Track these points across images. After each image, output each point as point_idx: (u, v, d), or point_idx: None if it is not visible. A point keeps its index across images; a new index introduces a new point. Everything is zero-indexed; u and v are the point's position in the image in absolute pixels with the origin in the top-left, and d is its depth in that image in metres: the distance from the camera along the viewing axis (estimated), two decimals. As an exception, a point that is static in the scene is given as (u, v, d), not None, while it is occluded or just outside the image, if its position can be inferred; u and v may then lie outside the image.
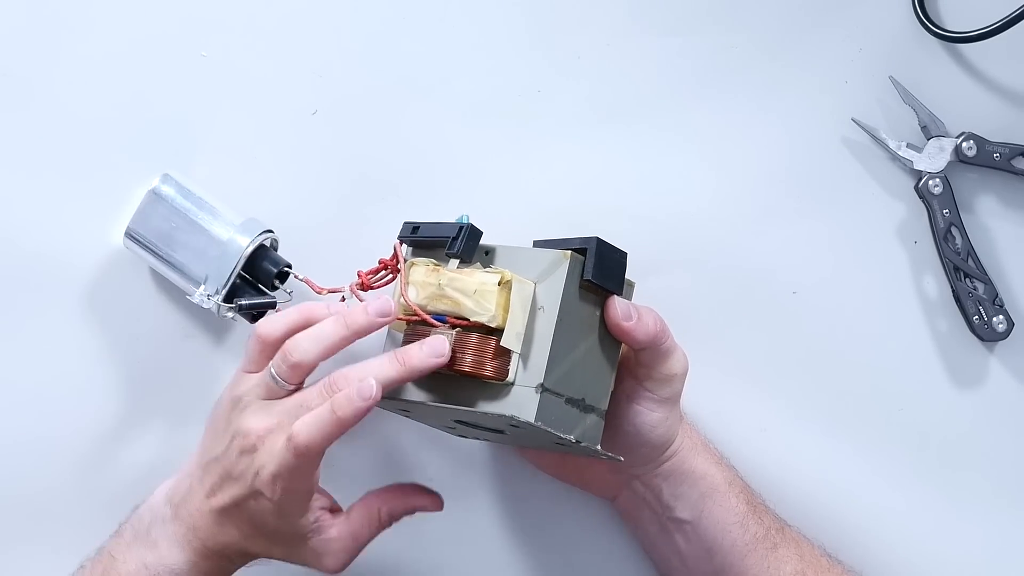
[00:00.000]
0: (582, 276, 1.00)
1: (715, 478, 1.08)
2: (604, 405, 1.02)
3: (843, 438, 1.16)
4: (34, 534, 1.11)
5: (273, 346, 1.02)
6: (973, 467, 1.17)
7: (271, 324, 1.03)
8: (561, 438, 0.99)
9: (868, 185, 1.16)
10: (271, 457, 0.98)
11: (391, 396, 1.02)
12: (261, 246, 1.08)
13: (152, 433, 1.11)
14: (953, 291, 1.15)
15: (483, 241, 1.03)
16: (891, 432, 1.16)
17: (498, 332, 0.99)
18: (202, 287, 1.07)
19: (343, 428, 0.98)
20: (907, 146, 1.15)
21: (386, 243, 1.05)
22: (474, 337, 0.99)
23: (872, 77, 1.15)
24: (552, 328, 0.98)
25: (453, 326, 1.00)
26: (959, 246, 1.15)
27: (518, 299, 0.99)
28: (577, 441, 1.00)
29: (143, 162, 1.10)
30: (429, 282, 1.01)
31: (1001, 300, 1.16)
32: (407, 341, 1.02)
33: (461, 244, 1.01)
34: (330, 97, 1.13)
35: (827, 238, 1.16)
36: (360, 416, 0.98)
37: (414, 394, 1.03)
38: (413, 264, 1.02)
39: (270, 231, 1.09)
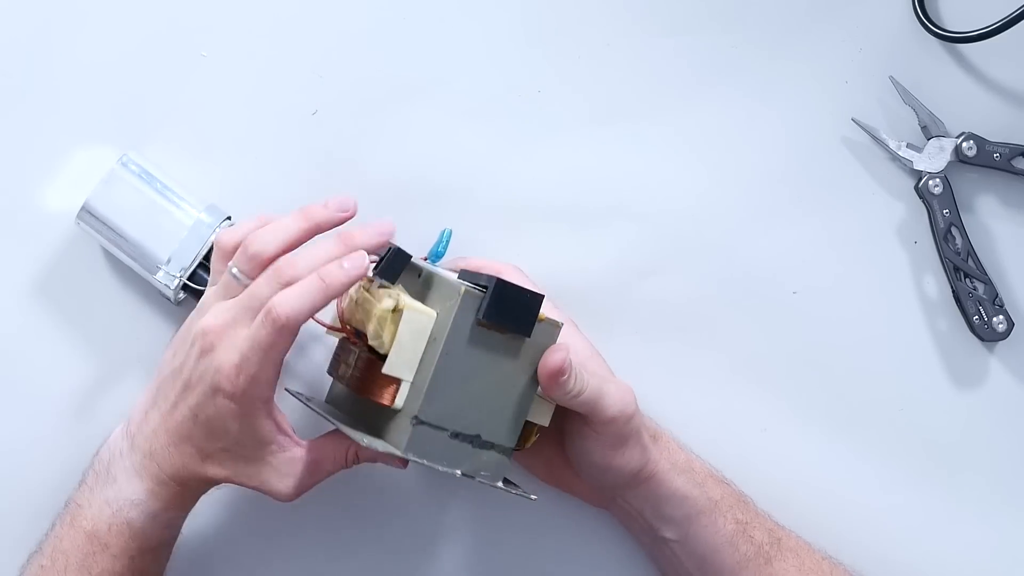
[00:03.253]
0: (477, 314, 0.98)
1: (698, 500, 1.07)
2: (509, 442, 1.01)
3: (843, 438, 1.16)
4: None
5: (233, 252, 1.01)
6: (973, 467, 1.17)
7: (231, 231, 1.03)
8: (441, 472, 0.98)
9: (868, 185, 1.16)
10: (232, 348, 0.97)
11: (314, 403, 1.05)
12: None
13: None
14: (953, 291, 1.15)
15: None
16: (891, 432, 1.16)
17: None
18: (164, 269, 1.07)
19: (328, 298, 0.97)
20: (907, 146, 1.15)
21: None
22: (372, 361, 0.99)
23: (872, 77, 1.15)
24: (435, 361, 0.98)
25: (367, 347, 1.00)
26: (959, 246, 1.15)
27: (407, 328, 0.98)
28: (468, 475, 0.99)
29: (142, 157, 1.11)
30: (352, 297, 1.01)
31: (1001, 300, 1.16)
32: (338, 347, 1.03)
33: (384, 266, 1.00)
34: (330, 97, 1.13)
35: (827, 238, 1.16)
36: (347, 286, 0.97)
37: (331, 412, 1.04)
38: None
39: (229, 217, 1.09)
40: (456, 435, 0.99)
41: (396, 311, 0.98)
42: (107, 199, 1.07)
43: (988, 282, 1.15)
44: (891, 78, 1.15)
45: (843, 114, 1.15)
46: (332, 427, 1.02)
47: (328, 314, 1.03)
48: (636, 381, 1.07)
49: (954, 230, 1.15)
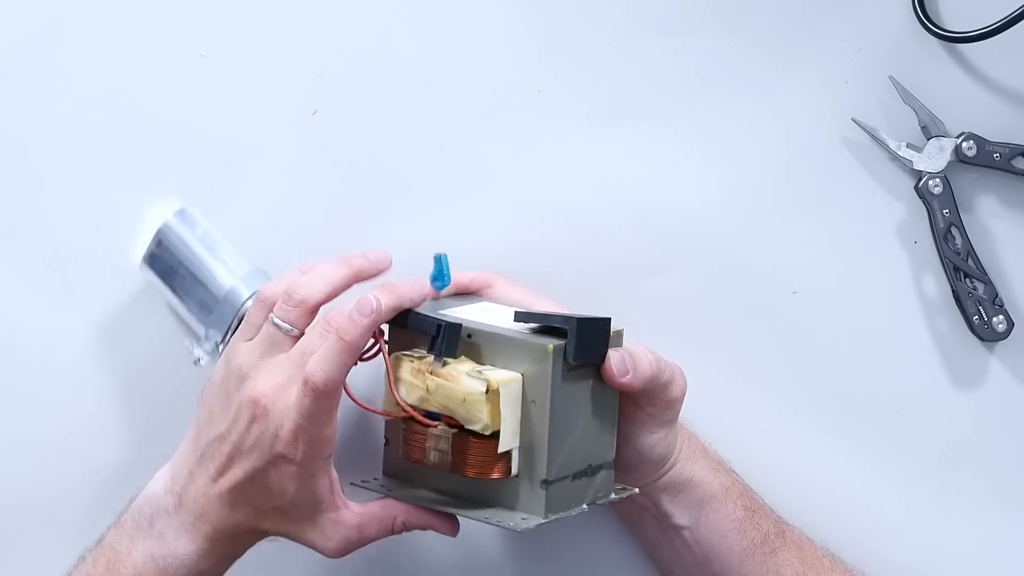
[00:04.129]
0: (565, 359, 0.98)
1: (712, 485, 1.08)
2: (611, 455, 1.02)
3: (843, 438, 1.16)
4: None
5: (273, 304, 1.01)
6: (973, 467, 1.17)
7: (273, 284, 1.03)
8: (573, 515, 0.99)
9: (868, 185, 1.16)
10: (287, 412, 0.97)
11: (400, 492, 1.03)
12: None
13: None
14: (953, 291, 1.15)
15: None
16: (891, 432, 1.16)
17: (494, 436, 0.98)
18: (200, 346, 1.07)
19: (354, 353, 0.97)
20: (907, 146, 1.15)
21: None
22: (471, 441, 0.98)
23: (872, 77, 1.15)
24: (547, 423, 0.98)
25: (450, 425, 0.98)
26: (959, 246, 1.15)
27: (507, 404, 0.97)
28: (591, 504, 1.01)
29: (143, 156, 1.12)
30: (417, 384, 0.99)
31: (1001, 300, 1.16)
32: (408, 432, 1.00)
33: (442, 344, 0.99)
34: (330, 97, 1.13)
35: (827, 238, 1.16)
36: (367, 335, 0.97)
37: (424, 494, 1.02)
38: (399, 359, 1.00)
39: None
40: (575, 476, 1.00)
41: (490, 392, 0.97)
42: (158, 260, 1.08)
43: (988, 282, 1.15)
44: (891, 78, 1.15)
45: (843, 114, 1.15)
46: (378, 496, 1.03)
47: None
48: (635, 381, 1.07)
49: (954, 230, 1.15)
